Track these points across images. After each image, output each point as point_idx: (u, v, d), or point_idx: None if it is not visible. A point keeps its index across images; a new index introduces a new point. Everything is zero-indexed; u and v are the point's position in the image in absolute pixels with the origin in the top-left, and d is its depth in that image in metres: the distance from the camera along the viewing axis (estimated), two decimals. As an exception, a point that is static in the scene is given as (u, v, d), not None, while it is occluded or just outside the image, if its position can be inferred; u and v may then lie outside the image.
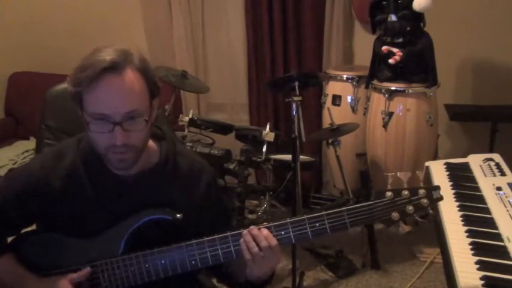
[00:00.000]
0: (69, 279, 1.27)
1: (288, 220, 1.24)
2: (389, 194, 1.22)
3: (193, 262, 1.27)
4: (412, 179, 1.20)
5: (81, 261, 1.29)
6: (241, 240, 1.24)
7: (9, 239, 1.40)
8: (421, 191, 1.22)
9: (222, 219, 1.47)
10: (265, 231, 1.24)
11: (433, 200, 1.22)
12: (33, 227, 1.42)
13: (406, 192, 1.22)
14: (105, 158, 1.26)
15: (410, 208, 1.21)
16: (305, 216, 1.23)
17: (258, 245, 1.22)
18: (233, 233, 1.26)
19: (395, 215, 1.21)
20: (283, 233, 1.24)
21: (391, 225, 1.23)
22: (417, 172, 1.18)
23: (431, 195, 1.21)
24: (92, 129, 1.20)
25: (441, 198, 1.23)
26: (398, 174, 1.14)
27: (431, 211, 1.22)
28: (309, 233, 1.23)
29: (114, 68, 1.16)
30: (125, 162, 1.25)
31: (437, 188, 1.23)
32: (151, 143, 1.35)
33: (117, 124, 1.18)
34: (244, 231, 1.24)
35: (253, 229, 1.24)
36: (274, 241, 1.23)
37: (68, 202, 1.31)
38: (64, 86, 1.84)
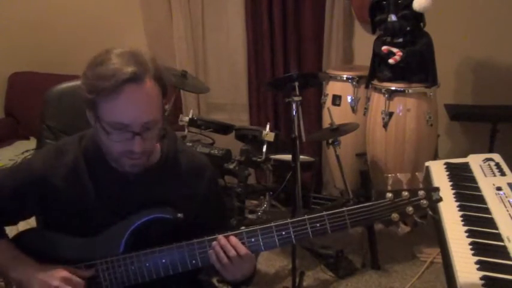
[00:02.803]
0: (69, 270, 1.27)
1: (289, 220, 1.25)
2: (389, 195, 1.23)
3: (193, 261, 1.28)
4: (412, 180, 1.20)
5: (81, 259, 1.30)
6: (210, 250, 1.25)
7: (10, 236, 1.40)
8: (421, 192, 1.23)
9: (220, 217, 1.48)
10: (233, 240, 1.25)
11: (432, 201, 1.23)
12: (33, 224, 1.42)
13: (406, 193, 1.23)
14: (116, 160, 1.28)
15: (410, 209, 1.22)
16: (306, 217, 1.24)
17: (226, 254, 1.23)
18: (234, 232, 1.27)
19: (395, 215, 1.22)
20: (253, 240, 1.25)
21: (391, 226, 1.24)
22: (417, 173, 1.18)
23: (430, 196, 1.23)
24: (112, 139, 1.21)
25: (440, 199, 1.24)
26: (398, 175, 1.14)
27: (430, 212, 1.23)
28: (310, 233, 1.24)
29: (135, 79, 1.16)
30: (138, 166, 1.28)
31: (437, 189, 1.24)
32: None
33: (137, 134, 1.19)
34: (214, 242, 1.25)
35: (221, 239, 1.25)
36: (243, 250, 1.24)
37: (69, 199, 1.31)
38: (64, 85, 1.84)
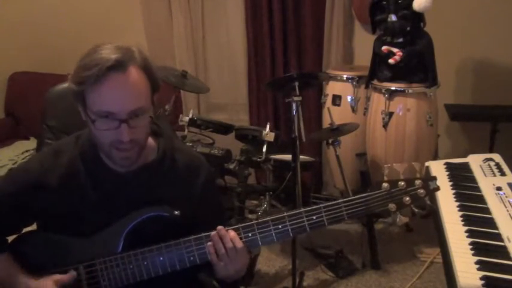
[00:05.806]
0: (54, 280, 1.27)
1: (285, 214, 1.25)
2: (385, 185, 1.22)
3: (191, 258, 1.28)
4: (409, 170, 1.20)
5: (80, 259, 1.30)
6: (209, 242, 1.26)
7: (10, 239, 1.40)
8: (418, 182, 1.22)
9: (217, 215, 1.48)
10: (231, 233, 1.25)
11: (429, 190, 1.22)
12: (34, 226, 1.42)
13: (402, 183, 1.22)
14: (108, 156, 1.28)
15: (407, 199, 1.22)
16: (302, 209, 1.24)
17: (224, 246, 1.24)
18: (230, 228, 1.27)
19: (392, 206, 1.22)
20: (250, 234, 1.26)
21: (388, 216, 1.25)
22: (413, 163, 1.18)
23: (427, 185, 1.22)
24: (98, 127, 1.21)
25: (438, 188, 1.23)
26: (394, 165, 1.14)
27: (428, 202, 1.23)
28: (307, 225, 1.24)
29: (119, 66, 1.17)
30: (129, 159, 1.27)
31: (434, 178, 1.24)
32: (149, 139, 1.36)
33: (124, 121, 1.19)
34: (213, 233, 1.26)
35: (221, 229, 1.26)
36: (240, 243, 1.24)
37: (67, 199, 1.31)
38: (65, 85, 1.85)
